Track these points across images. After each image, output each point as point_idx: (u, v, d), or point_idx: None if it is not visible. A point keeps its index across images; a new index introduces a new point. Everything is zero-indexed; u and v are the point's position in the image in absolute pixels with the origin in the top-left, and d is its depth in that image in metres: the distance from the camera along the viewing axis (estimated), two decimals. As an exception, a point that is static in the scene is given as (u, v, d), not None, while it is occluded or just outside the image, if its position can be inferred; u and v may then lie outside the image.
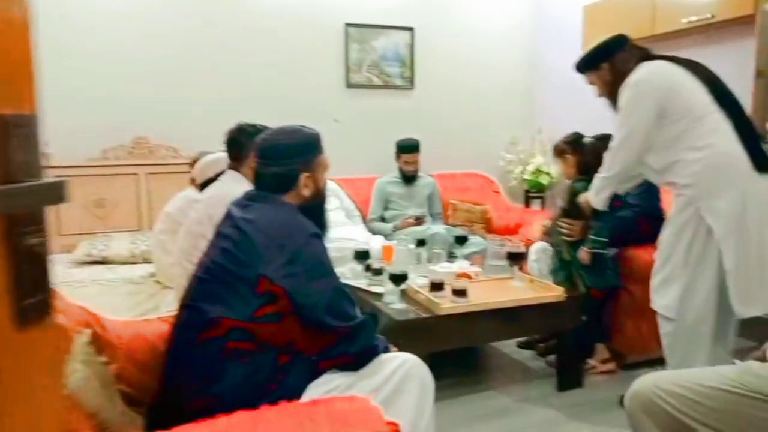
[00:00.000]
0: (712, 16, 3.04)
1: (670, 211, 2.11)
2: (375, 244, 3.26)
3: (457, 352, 2.73)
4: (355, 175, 4.19)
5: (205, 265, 1.52)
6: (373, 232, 3.83)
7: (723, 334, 2.09)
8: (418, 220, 3.80)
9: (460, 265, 2.86)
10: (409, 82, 4.42)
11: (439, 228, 3.54)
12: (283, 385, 1.41)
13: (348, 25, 4.17)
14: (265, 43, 4.02)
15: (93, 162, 3.65)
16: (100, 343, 1.54)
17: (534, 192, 4.59)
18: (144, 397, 1.55)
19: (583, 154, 2.69)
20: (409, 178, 4.01)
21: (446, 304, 2.24)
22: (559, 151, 2.79)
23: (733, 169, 1.96)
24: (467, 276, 2.65)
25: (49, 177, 0.65)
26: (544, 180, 4.47)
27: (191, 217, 2.24)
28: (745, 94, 2.89)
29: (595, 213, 2.45)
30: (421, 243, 2.97)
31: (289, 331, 1.44)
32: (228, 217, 1.57)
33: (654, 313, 2.15)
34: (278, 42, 4.05)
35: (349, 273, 2.76)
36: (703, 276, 2.00)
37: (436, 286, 2.37)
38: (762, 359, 1.39)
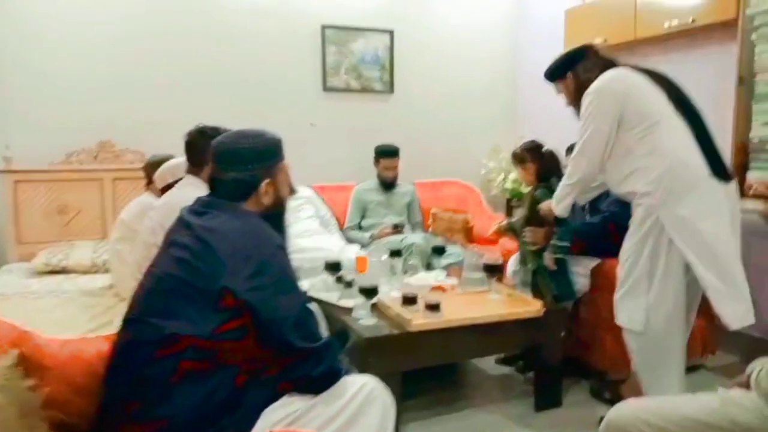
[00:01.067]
0: (694, 21, 2.97)
1: (631, 221, 2.09)
2: (349, 254, 3.14)
3: (433, 367, 2.61)
4: (331, 182, 4.06)
5: (156, 276, 1.40)
6: (350, 241, 3.71)
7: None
8: (396, 229, 3.68)
9: (437, 277, 2.75)
10: (389, 87, 4.30)
11: (416, 237, 3.42)
12: (239, 407, 1.31)
13: (325, 26, 4.05)
14: (238, 45, 3.88)
15: (56, 167, 3.49)
16: (28, 365, 1.41)
17: (516, 201, 4.49)
18: (80, 423, 1.42)
19: (542, 162, 2.69)
20: (387, 185, 3.89)
21: (418, 319, 2.12)
22: (519, 159, 2.77)
23: (692, 177, 1.96)
24: (442, 289, 2.54)
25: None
26: (526, 189, 4.37)
27: (145, 225, 2.11)
28: (727, 100, 2.82)
29: (557, 220, 2.45)
30: (396, 253, 2.84)
31: (250, 349, 1.34)
32: (182, 224, 1.44)
33: None
34: (252, 44, 3.91)
35: (320, 285, 2.64)
36: (669, 287, 2.00)
37: (409, 300, 2.25)
38: (746, 385, 1.29)
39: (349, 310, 2.32)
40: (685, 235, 1.94)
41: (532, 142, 2.78)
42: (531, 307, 2.30)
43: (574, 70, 2.25)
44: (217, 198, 1.48)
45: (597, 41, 3.59)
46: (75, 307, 2.61)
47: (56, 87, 3.52)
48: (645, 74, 2.11)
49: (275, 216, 1.52)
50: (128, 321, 1.39)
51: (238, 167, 1.46)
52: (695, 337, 2.65)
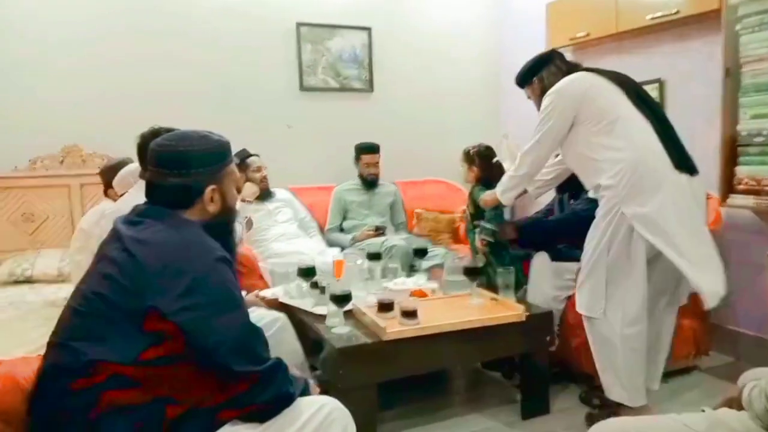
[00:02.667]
0: (677, 12, 2.88)
1: (596, 212, 2.15)
2: (327, 258, 3.02)
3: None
4: (310, 184, 3.94)
5: (82, 294, 1.26)
6: (331, 243, 3.59)
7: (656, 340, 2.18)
8: (378, 231, 3.57)
9: (417, 281, 2.64)
10: (368, 85, 4.18)
11: (397, 239, 3.31)
12: None
13: (300, 24, 3.92)
14: (212, 46, 3.74)
15: (19, 173, 3.34)
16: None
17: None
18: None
19: (489, 170, 2.80)
20: (369, 184, 3.78)
21: (393, 327, 2.00)
22: (468, 159, 2.94)
23: (653, 170, 2.01)
24: (422, 294, 2.43)
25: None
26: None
27: (95, 235, 1.98)
28: (714, 92, 2.73)
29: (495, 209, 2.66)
30: (375, 257, 2.73)
31: (183, 377, 1.19)
32: (114, 236, 1.30)
33: None
34: (225, 44, 3.78)
35: (295, 291, 2.52)
36: (630, 276, 2.05)
37: (385, 307, 2.14)
38: (735, 404, 1.18)
39: (323, 318, 2.21)
40: (651, 228, 1.97)
41: (487, 148, 2.92)
42: (513, 311, 2.19)
43: (540, 75, 2.36)
44: (154, 206, 1.34)
45: (579, 35, 3.51)
46: (36, 320, 2.47)
47: (18, 88, 3.36)
48: (604, 75, 2.19)
49: (221, 225, 1.39)
50: (50, 344, 1.25)
51: (180, 172, 1.32)
52: (687, 339, 2.57)
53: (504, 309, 2.23)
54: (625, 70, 2.30)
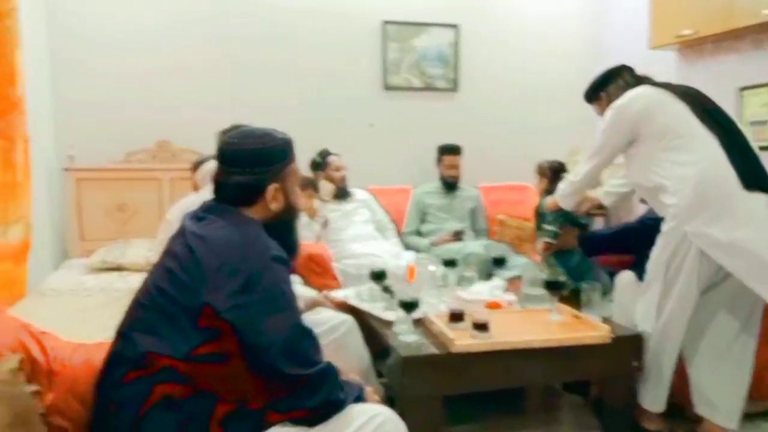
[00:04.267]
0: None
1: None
2: (401, 261, 2.95)
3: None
4: (390, 185, 3.88)
5: (146, 286, 1.29)
6: (408, 247, 3.52)
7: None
8: (457, 236, 3.45)
9: (493, 292, 2.49)
10: (453, 84, 4.06)
11: (476, 246, 3.17)
12: None
13: (386, 22, 3.88)
14: (296, 44, 3.80)
15: (116, 165, 3.54)
16: (34, 369, 1.35)
17: (596, 209, 4.10)
18: (82, 432, 1.34)
19: (556, 185, 2.73)
20: (450, 186, 3.68)
21: (462, 339, 1.88)
22: (541, 172, 3.10)
23: (716, 187, 1.97)
24: (497, 305, 2.29)
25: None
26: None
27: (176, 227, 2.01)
28: None
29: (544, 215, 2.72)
30: (450, 263, 2.62)
31: (233, 376, 1.18)
32: (180, 231, 1.33)
33: None
34: (310, 42, 3.82)
35: (366, 294, 2.46)
36: (676, 292, 2.04)
37: (456, 317, 2.02)
38: None
39: (391, 324, 2.13)
40: (721, 250, 1.94)
41: (560, 164, 3.00)
42: (597, 332, 2.00)
43: (607, 90, 2.38)
44: (219, 203, 1.35)
45: (686, 33, 3.20)
46: (120, 307, 2.57)
47: (117, 89, 3.57)
48: (669, 90, 2.16)
49: (284, 224, 1.38)
50: (116, 333, 1.29)
51: (242, 170, 1.33)
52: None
53: (587, 328, 2.05)
54: (739, 73, 2.08)
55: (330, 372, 1.24)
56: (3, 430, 1.14)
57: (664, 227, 2.09)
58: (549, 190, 2.91)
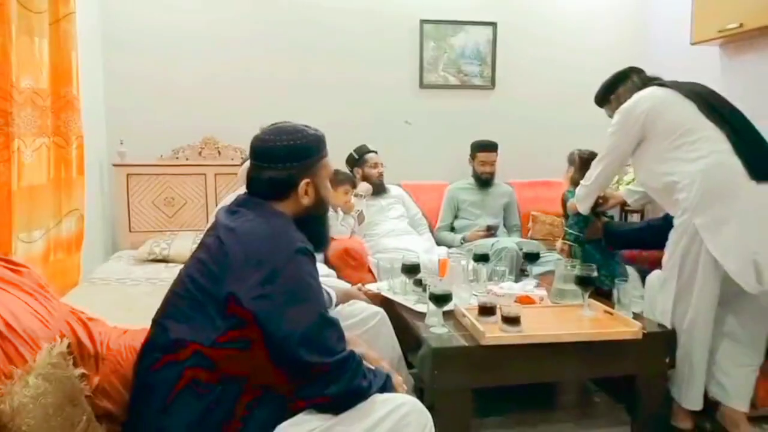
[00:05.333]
0: None
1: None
2: (433, 256, 2.99)
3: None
4: (425, 181, 3.93)
5: (180, 277, 1.36)
6: (441, 243, 3.55)
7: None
8: (490, 231, 3.47)
9: (524, 287, 2.51)
10: (490, 82, 4.07)
11: (508, 242, 3.19)
12: (245, 427, 1.21)
13: (423, 21, 3.92)
14: (336, 42, 3.87)
15: (164, 161, 3.70)
16: (81, 353, 1.43)
17: (625, 207, 4.05)
18: (124, 414, 1.43)
19: (582, 174, 2.72)
20: (483, 183, 3.69)
21: (492, 332, 1.92)
22: (570, 160, 3.02)
23: (722, 181, 2.01)
24: (529, 300, 2.31)
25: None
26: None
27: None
28: None
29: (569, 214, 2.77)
30: (483, 258, 2.65)
31: (258, 363, 1.23)
32: (214, 224, 1.39)
33: None
34: (349, 41, 3.89)
35: (399, 287, 2.52)
36: (695, 287, 2.06)
37: (486, 311, 2.06)
38: None
39: (423, 316, 2.18)
40: (715, 239, 1.98)
41: (591, 153, 2.87)
42: (628, 327, 2.00)
43: (616, 93, 2.42)
44: (252, 197, 1.40)
45: (731, 26, 3.12)
46: (163, 296, 2.71)
47: (165, 89, 3.72)
48: (676, 89, 2.19)
49: (315, 219, 1.43)
50: (153, 321, 1.36)
51: (275, 165, 1.38)
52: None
53: (618, 324, 2.05)
54: None
55: (351, 360, 1.26)
56: (53, 410, 1.23)
57: (676, 221, 2.12)
58: (574, 179, 2.92)
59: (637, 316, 2.15)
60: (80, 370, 1.34)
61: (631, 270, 2.80)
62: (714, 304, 2.08)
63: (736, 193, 1.99)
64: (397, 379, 1.46)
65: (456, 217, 3.70)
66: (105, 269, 3.18)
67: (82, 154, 2.88)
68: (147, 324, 2.09)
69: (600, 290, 2.45)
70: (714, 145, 2.05)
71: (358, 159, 3.56)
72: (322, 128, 1.53)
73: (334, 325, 1.28)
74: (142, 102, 3.70)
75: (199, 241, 1.40)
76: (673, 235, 2.14)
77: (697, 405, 2.13)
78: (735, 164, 2.01)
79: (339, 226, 3.16)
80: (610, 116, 2.43)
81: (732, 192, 1.99)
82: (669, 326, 2.13)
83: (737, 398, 2.12)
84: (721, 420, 2.17)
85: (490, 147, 3.67)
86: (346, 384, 1.23)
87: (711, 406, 2.19)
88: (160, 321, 1.32)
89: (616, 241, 2.75)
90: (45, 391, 1.22)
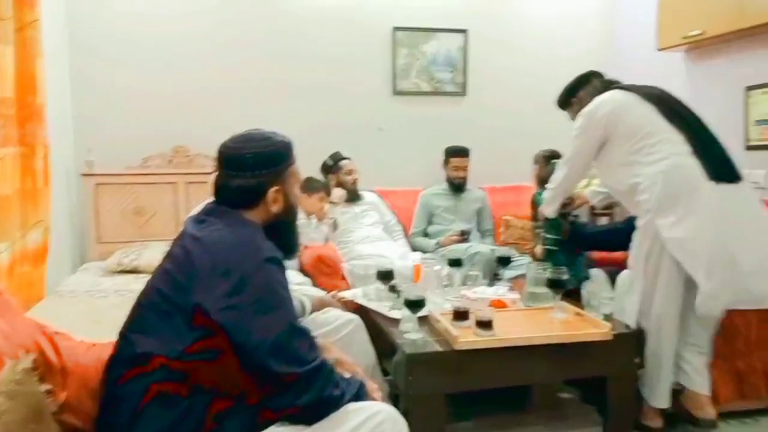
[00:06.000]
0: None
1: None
2: (407, 262, 3.00)
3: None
4: (399, 187, 3.94)
5: (146, 288, 1.34)
6: (415, 248, 3.57)
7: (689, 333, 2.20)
8: (463, 235, 3.49)
9: (497, 291, 2.53)
10: (461, 88, 4.12)
11: (481, 246, 3.21)
12: None
13: (396, 29, 3.95)
14: (309, 49, 3.87)
15: (133, 170, 3.64)
16: (47, 368, 1.39)
17: (600, 209, 4.12)
18: (92, 429, 1.39)
19: (546, 170, 2.89)
20: (457, 188, 3.72)
21: (466, 337, 1.93)
22: (536, 159, 3.20)
23: (680, 182, 2.06)
24: (501, 304, 2.33)
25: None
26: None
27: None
28: None
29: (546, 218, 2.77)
30: (456, 263, 2.67)
31: (227, 373, 1.21)
32: (181, 234, 1.37)
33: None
34: (322, 48, 3.89)
35: (373, 294, 2.52)
36: (660, 288, 2.11)
37: (460, 315, 2.07)
38: None
39: (397, 322, 2.18)
40: (672, 241, 2.04)
41: (553, 151, 3.03)
42: (598, 329, 2.04)
43: (577, 96, 2.47)
44: (219, 206, 1.38)
45: (693, 33, 3.22)
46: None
47: (134, 96, 3.67)
48: (636, 92, 2.25)
49: (284, 225, 1.41)
50: (119, 334, 1.33)
51: (243, 173, 1.36)
52: (759, 375, 2.34)
53: (588, 326, 2.08)
54: (746, 72, 2.11)
55: (323, 369, 1.24)
56: (16, 428, 1.19)
57: (639, 222, 2.18)
58: (540, 178, 3.06)
59: (607, 318, 2.19)
60: (46, 387, 1.30)
61: (598, 272, 2.84)
62: (679, 303, 2.13)
63: (695, 194, 2.04)
64: (372, 386, 1.45)
65: (430, 222, 3.72)
66: (73, 281, 3.10)
67: (47, 164, 2.82)
68: (115, 337, 2.07)
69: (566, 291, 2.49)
70: (673, 147, 2.11)
71: (332, 166, 3.56)
72: (295, 135, 1.52)
73: (304, 334, 1.26)
74: (110, 110, 3.64)
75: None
76: (636, 237, 2.20)
77: (664, 402, 2.18)
78: (694, 166, 2.06)
79: (313, 234, 3.15)
80: (572, 119, 2.49)
81: (691, 193, 2.05)
82: (637, 327, 2.17)
83: (699, 385, 2.19)
84: (685, 402, 2.22)
85: (462, 152, 3.71)
86: (317, 393, 1.21)
87: (674, 392, 2.25)
88: (126, 334, 1.29)
89: (582, 243, 2.84)
90: (8, 409, 1.19)
